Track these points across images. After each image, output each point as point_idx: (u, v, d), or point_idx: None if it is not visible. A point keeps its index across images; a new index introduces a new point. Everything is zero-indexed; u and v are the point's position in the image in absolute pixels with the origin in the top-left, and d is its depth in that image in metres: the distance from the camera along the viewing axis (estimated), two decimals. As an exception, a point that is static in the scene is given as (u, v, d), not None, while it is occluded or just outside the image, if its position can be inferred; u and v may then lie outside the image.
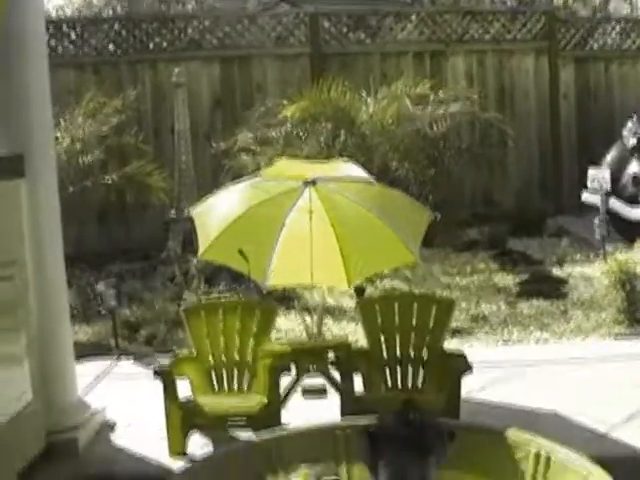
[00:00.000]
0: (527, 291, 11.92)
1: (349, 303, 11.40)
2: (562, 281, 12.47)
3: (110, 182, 13.48)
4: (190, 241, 13.51)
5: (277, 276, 7.82)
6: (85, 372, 8.86)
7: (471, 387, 7.70)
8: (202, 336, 7.25)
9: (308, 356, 6.90)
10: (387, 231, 7.42)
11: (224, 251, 7.67)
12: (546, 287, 12.03)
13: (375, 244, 7.58)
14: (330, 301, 11.56)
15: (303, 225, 7.41)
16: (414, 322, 7.21)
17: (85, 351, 9.83)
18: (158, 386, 6.90)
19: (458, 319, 10.58)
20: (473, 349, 8.11)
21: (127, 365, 9.61)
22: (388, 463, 4.10)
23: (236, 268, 8.09)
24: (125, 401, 8.18)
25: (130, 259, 14.51)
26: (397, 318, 7.26)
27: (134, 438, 7.21)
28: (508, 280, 12.67)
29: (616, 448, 6.46)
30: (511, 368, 8.66)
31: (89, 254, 14.14)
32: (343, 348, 7.00)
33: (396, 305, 7.31)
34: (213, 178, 13.80)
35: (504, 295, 11.89)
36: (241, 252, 7.52)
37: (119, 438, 7.32)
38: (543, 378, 8.29)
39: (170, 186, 13.38)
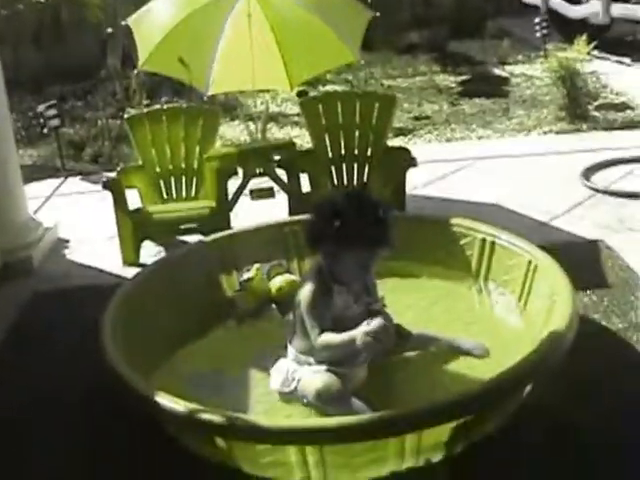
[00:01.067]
0: (469, 91, 12.01)
1: (293, 109, 11.41)
2: (504, 80, 12.56)
3: (43, 1, 13.04)
4: (129, 57, 13.25)
5: (219, 83, 7.76)
6: (34, 193, 8.86)
7: (415, 183, 7.86)
8: (147, 145, 7.23)
9: (254, 157, 6.90)
10: (327, 31, 7.33)
11: (164, 60, 7.54)
12: (488, 86, 12.11)
13: (315, 45, 7.49)
14: (274, 108, 11.58)
15: (242, 29, 7.31)
16: (357, 120, 7.25)
17: (32, 173, 9.81)
18: (107, 201, 6.95)
19: (401, 119, 10.69)
20: (417, 147, 8.17)
21: (75, 183, 9.58)
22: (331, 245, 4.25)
23: (177, 77, 7.98)
24: (76, 218, 8.20)
25: (70, 80, 14.21)
26: (340, 116, 7.29)
27: (87, 252, 7.26)
28: (450, 81, 12.76)
29: (558, 235, 6.65)
30: (454, 163, 8.81)
31: (27, 79, 13.82)
32: (288, 148, 7.04)
33: (339, 103, 7.32)
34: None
35: (446, 95, 11.99)
36: (181, 60, 7.42)
37: (73, 253, 7.37)
38: (486, 173, 8.44)
39: (106, 2, 13.02)
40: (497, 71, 13.09)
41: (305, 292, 4.29)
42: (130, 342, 4.51)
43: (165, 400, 3.80)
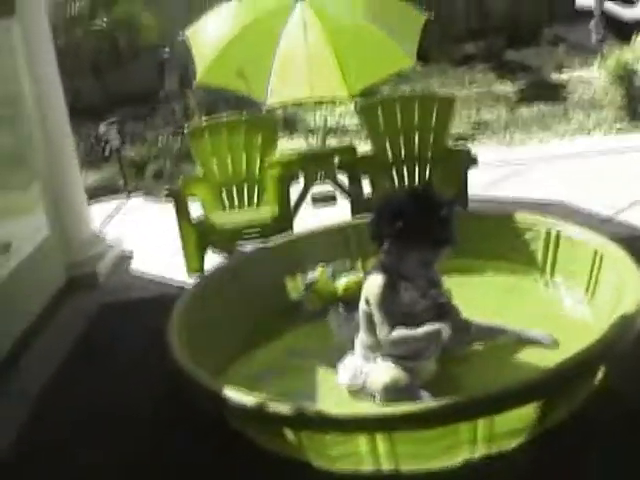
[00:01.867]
0: (527, 97, 11.94)
1: (351, 121, 11.42)
2: (561, 85, 12.47)
3: (100, 28, 13.24)
4: (187, 78, 13.50)
5: (277, 93, 7.80)
6: (98, 212, 9.01)
7: (477, 185, 7.79)
8: (208, 155, 7.27)
9: (315, 162, 6.93)
10: (382, 37, 7.36)
11: (222, 73, 7.61)
12: (545, 92, 12.05)
13: (372, 51, 7.51)
14: (332, 121, 11.59)
15: (299, 39, 7.36)
16: (416, 122, 7.23)
17: (96, 194, 9.95)
18: (170, 215, 6.94)
19: (460, 126, 10.64)
20: (477, 151, 8.09)
21: (138, 201, 9.70)
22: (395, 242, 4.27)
23: (236, 90, 8.05)
24: (139, 233, 8.31)
25: (129, 105, 14.40)
26: (399, 119, 7.27)
27: (152, 265, 7.34)
28: (507, 88, 12.68)
29: (624, 229, 6.57)
30: (516, 166, 8.76)
31: (86, 106, 14.01)
32: (348, 152, 7.06)
33: (397, 106, 7.31)
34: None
35: (504, 102, 11.90)
36: (240, 72, 7.50)
37: (137, 267, 7.47)
38: (548, 173, 8.37)
39: (161, 25, 13.18)
40: (554, 77, 12.99)
41: (372, 289, 4.29)
42: (196, 345, 4.54)
43: (234, 394, 3.82)
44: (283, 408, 3.67)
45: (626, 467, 3.70)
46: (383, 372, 4.25)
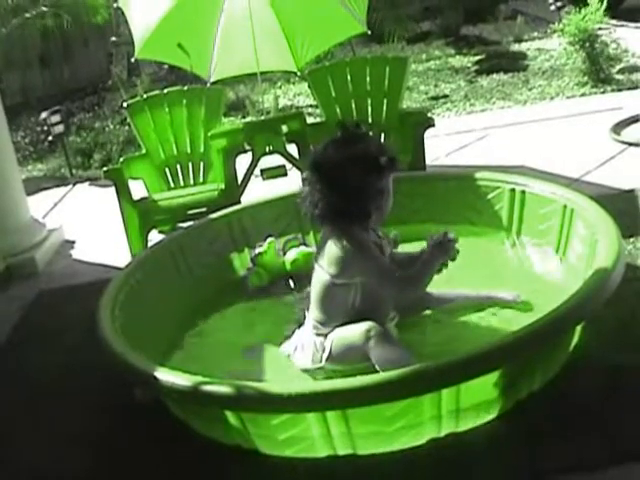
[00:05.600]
0: (486, 68, 11.59)
1: (306, 102, 11.06)
2: (521, 56, 12.16)
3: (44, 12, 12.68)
4: (136, 65, 13.10)
5: (221, 69, 7.42)
6: (42, 202, 8.72)
7: (437, 154, 7.46)
8: (149, 132, 6.83)
9: (261, 131, 6.44)
10: (329, 2, 7.01)
11: (162, 47, 7.20)
12: (505, 62, 11.73)
13: (319, 19, 7.16)
14: (285, 102, 11.23)
15: (242, 8, 6.97)
16: (368, 86, 6.82)
17: (41, 184, 9.59)
18: (115, 200, 6.50)
19: (417, 101, 10.33)
20: (436, 120, 7.73)
21: (84, 189, 9.30)
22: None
23: (177, 65, 7.65)
24: (83, 220, 7.95)
25: (78, 97, 14.01)
26: (350, 84, 6.86)
27: (94, 251, 6.95)
28: (465, 61, 12.35)
29: (592, 189, 6.14)
30: (475, 133, 8.39)
31: (36, 100, 13.58)
32: (297, 119, 6.58)
33: (348, 70, 6.89)
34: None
35: (463, 75, 11.55)
36: (180, 46, 7.08)
37: (79, 253, 7.09)
38: (510, 139, 8.00)
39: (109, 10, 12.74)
40: (513, 48, 12.68)
41: (347, 251, 3.81)
42: (133, 326, 4.11)
43: (168, 375, 3.39)
44: (219, 388, 3.22)
45: (602, 440, 3.27)
46: (356, 326, 3.81)
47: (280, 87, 12.35)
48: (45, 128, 10.82)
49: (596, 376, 3.64)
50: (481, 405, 3.37)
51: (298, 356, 4.03)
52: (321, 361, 3.91)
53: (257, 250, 5.06)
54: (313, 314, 4.03)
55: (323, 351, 3.91)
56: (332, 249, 3.86)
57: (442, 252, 3.80)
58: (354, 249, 3.79)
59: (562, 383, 3.57)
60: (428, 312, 4.25)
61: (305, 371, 3.96)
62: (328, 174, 3.77)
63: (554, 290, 4.10)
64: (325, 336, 3.94)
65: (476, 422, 3.39)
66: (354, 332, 3.80)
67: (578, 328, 3.62)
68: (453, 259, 3.84)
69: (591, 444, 3.25)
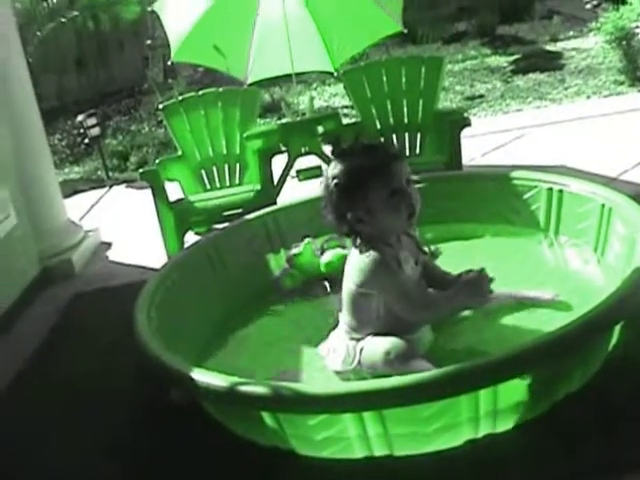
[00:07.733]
0: (522, 68, 11.57)
1: (342, 103, 11.05)
2: (557, 55, 12.10)
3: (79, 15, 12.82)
4: (172, 68, 13.16)
5: (258, 70, 7.45)
6: (79, 204, 8.78)
7: (473, 155, 7.42)
8: (185, 133, 6.87)
9: (297, 132, 6.43)
10: (365, 2, 7.00)
11: (198, 50, 7.26)
12: (541, 62, 11.71)
13: (355, 18, 7.16)
14: (321, 103, 11.23)
15: (277, 10, 6.99)
16: (404, 86, 6.80)
17: (78, 187, 9.67)
18: (151, 202, 6.50)
19: (454, 101, 10.29)
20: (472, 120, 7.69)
21: (119, 191, 9.36)
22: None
23: (214, 67, 7.67)
24: (120, 222, 8.01)
25: (114, 100, 14.11)
26: (386, 85, 6.84)
27: (131, 253, 7.00)
28: (501, 61, 12.32)
29: (631, 188, 6.11)
30: (512, 132, 8.34)
31: (72, 103, 13.69)
32: (333, 120, 6.57)
33: (383, 70, 6.86)
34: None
35: (499, 74, 11.52)
36: (216, 48, 7.10)
37: (115, 255, 7.14)
38: (546, 139, 7.96)
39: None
40: (549, 47, 12.61)
41: (369, 268, 3.79)
42: (169, 327, 4.11)
43: (204, 376, 3.38)
44: (255, 388, 3.21)
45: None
46: (381, 342, 3.79)
47: (315, 88, 12.36)
48: (81, 131, 10.90)
49: (635, 377, 3.60)
50: (518, 406, 3.33)
51: (331, 357, 4.02)
52: (352, 364, 3.90)
53: (293, 251, 5.04)
54: (345, 318, 4.02)
55: (355, 355, 3.90)
56: (355, 258, 3.86)
57: (468, 295, 3.70)
58: (371, 263, 3.75)
59: (600, 384, 3.53)
60: (467, 313, 4.18)
61: (337, 373, 3.95)
62: (334, 203, 3.81)
63: (593, 290, 4.06)
64: (357, 340, 3.92)
65: (513, 423, 3.35)
66: (375, 351, 3.78)
67: (617, 328, 3.56)
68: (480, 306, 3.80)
69: (629, 446, 3.20)
